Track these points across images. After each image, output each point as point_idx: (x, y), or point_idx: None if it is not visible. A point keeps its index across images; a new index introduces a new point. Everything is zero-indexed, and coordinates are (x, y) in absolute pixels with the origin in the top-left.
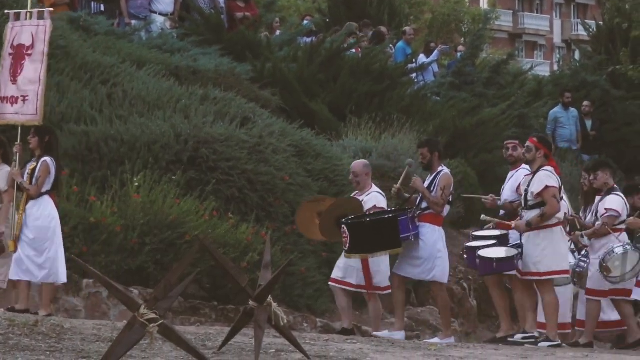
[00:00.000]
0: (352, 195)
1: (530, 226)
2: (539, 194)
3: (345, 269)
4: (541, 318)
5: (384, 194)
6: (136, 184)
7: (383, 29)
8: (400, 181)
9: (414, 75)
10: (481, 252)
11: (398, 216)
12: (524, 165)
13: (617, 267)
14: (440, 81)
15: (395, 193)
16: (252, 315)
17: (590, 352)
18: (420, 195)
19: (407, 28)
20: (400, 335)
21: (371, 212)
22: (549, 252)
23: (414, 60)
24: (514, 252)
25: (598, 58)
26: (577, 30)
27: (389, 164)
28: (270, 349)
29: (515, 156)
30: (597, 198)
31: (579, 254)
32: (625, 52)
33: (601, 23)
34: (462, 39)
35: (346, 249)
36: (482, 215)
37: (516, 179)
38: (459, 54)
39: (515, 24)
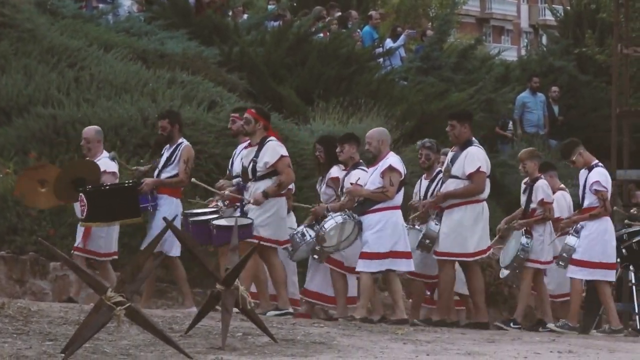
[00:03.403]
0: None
1: (268, 196)
2: (274, 165)
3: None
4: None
5: (115, 161)
6: None
7: (354, 12)
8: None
9: (381, 59)
10: (216, 222)
11: (137, 185)
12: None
13: (333, 236)
14: (408, 66)
15: (135, 175)
16: (219, 298)
17: (557, 335)
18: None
19: (373, 12)
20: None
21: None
22: (273, 219)
23: (380, 45)
24: (249, 219)
25: (565, 42)
26: (545, 15)
27: None
28: (238, 333)
29: (234, 129)
30: (335, 169)
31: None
32: (591, 35)
33: (568, 8)
34: (430, 23)
35: (83, 217)
36: (193, 179)
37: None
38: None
39: (482, 8)
